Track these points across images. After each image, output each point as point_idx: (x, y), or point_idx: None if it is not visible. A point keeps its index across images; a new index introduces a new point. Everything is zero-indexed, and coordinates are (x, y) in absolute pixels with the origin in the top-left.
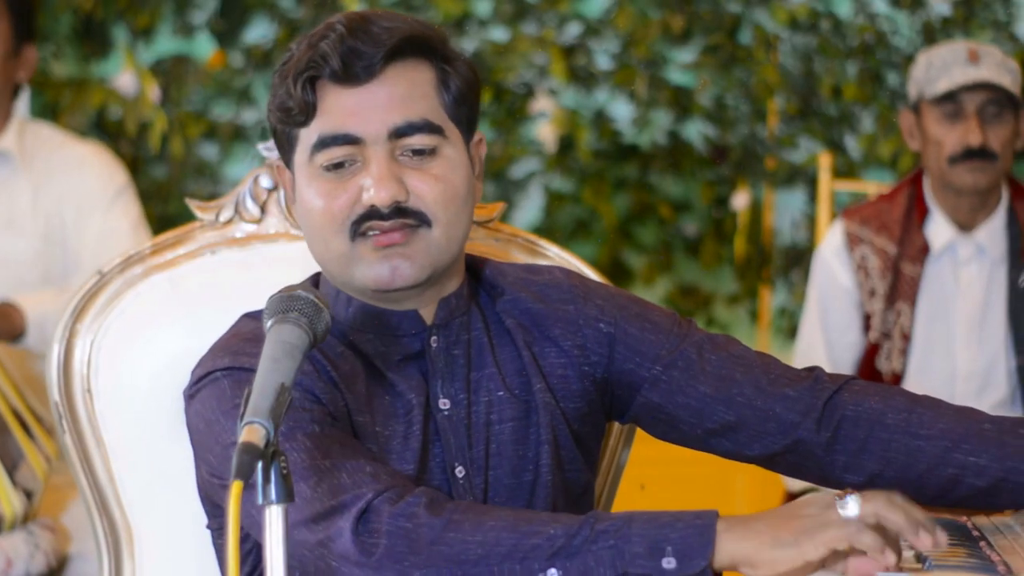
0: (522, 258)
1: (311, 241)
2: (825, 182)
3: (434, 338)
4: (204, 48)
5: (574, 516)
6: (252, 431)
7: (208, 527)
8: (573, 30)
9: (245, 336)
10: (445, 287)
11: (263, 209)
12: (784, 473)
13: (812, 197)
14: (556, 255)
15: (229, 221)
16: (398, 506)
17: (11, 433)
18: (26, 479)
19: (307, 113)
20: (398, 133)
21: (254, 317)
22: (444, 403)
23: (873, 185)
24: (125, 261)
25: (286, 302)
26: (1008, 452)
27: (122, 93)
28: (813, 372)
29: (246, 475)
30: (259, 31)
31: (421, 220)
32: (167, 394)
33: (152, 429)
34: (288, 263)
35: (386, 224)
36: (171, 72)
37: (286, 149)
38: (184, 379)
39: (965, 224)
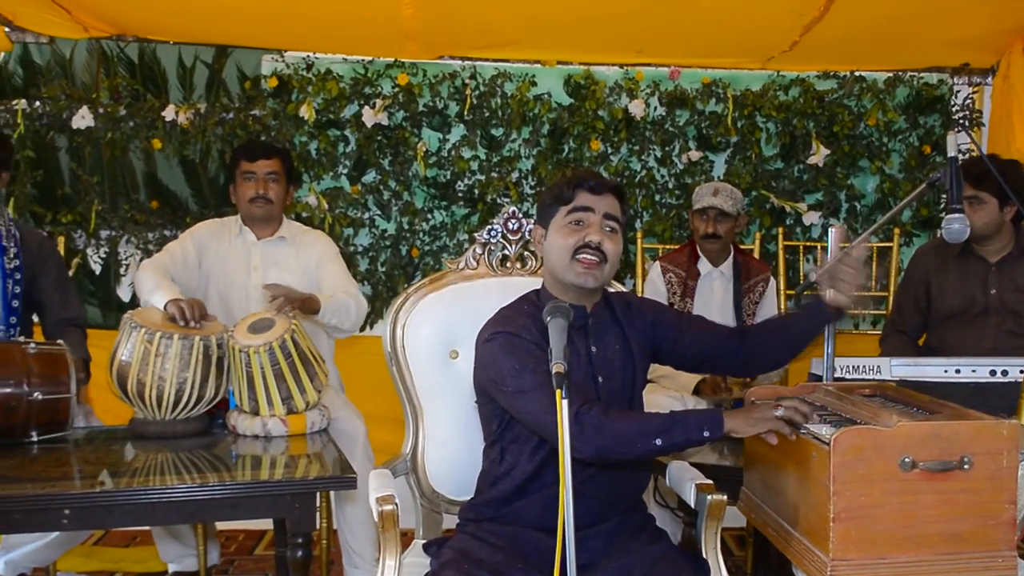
0: None
1: (552, 260)
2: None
3: (591, 319)
4: None
5: (665, 413)
6: (560, 366)
7: (476, 402)
8: None
9: (509, 318)
10: (596, 294)
11: (478, 264)
12: (719, 373)
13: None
14: None
15: (463, 268)
16: (593, 411)
17: (310, 362)
18: (317, 384)
19: (569, 199)
20: (606, 216)
21: (509, 308)
22: (594, 349)
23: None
24: (419, 285)
25: (557, 309)
26: (795, 328)
27: None
28: (733, 327)
29: (560, 385)
30: None
31: (603, 260)
32: (433, 346)
33: (427, 362)
34: (488, 289)
35: (591, 256)
36: None
37: (545, 217)
38: (440, 341)
39: (715, 263)
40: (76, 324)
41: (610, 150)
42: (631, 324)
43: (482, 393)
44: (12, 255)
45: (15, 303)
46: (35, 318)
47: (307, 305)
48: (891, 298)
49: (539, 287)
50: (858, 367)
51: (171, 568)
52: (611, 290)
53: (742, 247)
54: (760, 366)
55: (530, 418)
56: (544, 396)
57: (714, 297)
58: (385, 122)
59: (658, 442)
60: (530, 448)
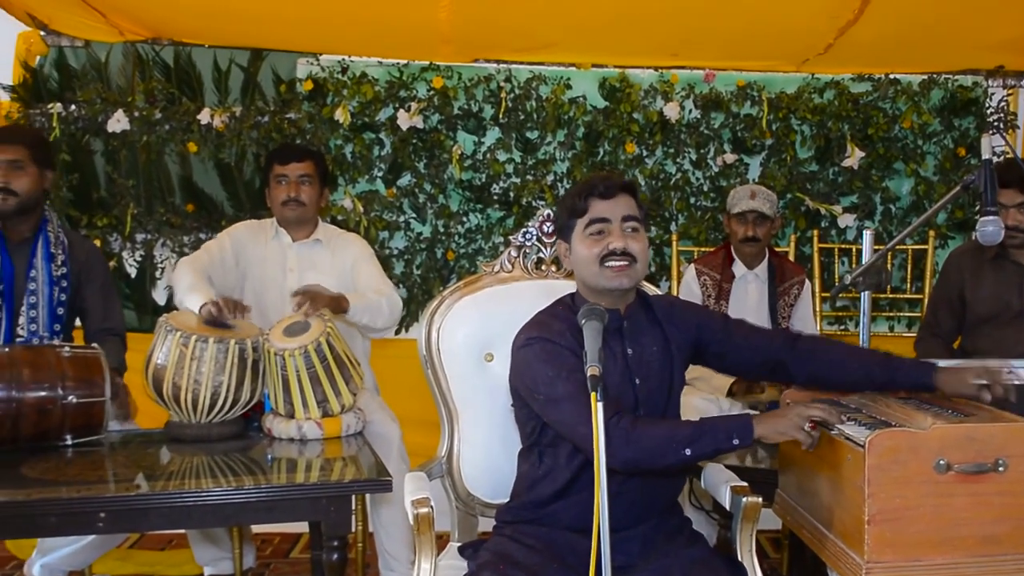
0: None
1: (580, 270)
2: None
3: (625, 322)
4: None
5: (694, 421)
6: (594, 368)
7: (511, 406)
8: None
9: (544, 323)
10: (630, 296)
11: (513, 267)
12: (765, 380)
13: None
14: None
15: (498, 271)
16: (622, 422)
17: (345, 365)
18: (353, 387)
19: (583, 211)
20: (624, 219)
21: (544, 313)
22: (630, 351)
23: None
24: (454, 288)
25: (592, 312)
26: (868, 374)
27: None
28: (778, 330)
29: (595, 388)
30: None
31: (632, 260)
32: (468, 349)
33: (462, 365)
34: (523, 291)
35: (619, 261)
36: None
37: (566, 231)
38: (476, 344)
39: (750, 265)
40: (116, 333)
41: (645, 153)
42: (672, 325)
43: (518, 397)
44: (60, 262)
45: (60, 310)
46: (77, 323)
47: (335, 305)
48: (926, 300)
49: (574, 291)
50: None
51: (207, 571)
52: (651, 293)
53: (777, 249)
54: (805, 384)
55: (561, 427)
56: (574, 406)
57: (749, 300)
58: (420, 125)
59: (687, 452)
60: (567, 452)
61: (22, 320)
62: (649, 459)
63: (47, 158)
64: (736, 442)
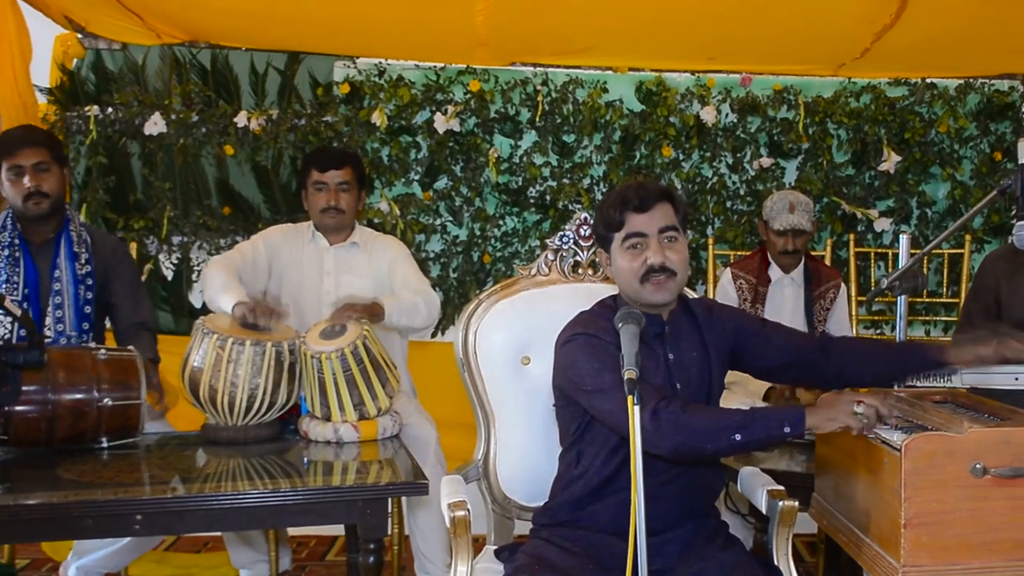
0: None
1: (621, 283)
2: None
3: (667, 327)
4: None
5: (745, 409)
6: (631, 372)
7: (554, 405)
8: None
9: (588, 320)
10: (672, 301)
11: (550, 270)
12: (799, 384)
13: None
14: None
15: (535, 275)
16: (671, 406)
17: (382, 368)
18: (389, 390)
19: (620, 225)
20: (661, 231)
21: (587, 312)
22: (671, 356)
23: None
24: (491, 291)
25: (629, 315)
26: (901, 364)
27: None
28: (812, 334)
29: (631, 391)
30: None
31: (672, 273)
32: (505, 352)
33: (499, 368)
34: (560, 295)
35: (660, 276)
36: None
37: (604, 242)
38: (513, 347)
39: (786, 269)
40: (147, 328)
41: (681, 156)
42: (711, 330)
43: (561, 395)
44: (84, 261)
45: (87, 309)
46: (107, 323)
47: (371, 313)
48: (962, 304)
49: (614, 293)
50: (929, 374)
51: (243, 574)
52: (691, 296)
53: (813, 253)
54: (837, 384)
55: (609, 417)
56: (623, 396)
57: (785, 304)
58: (457, 128)
59: (737, 437)
60: (607, 451)
61: (48, 321)
62: (699, 443)
63: (63, 155)
64: (787, 430)
